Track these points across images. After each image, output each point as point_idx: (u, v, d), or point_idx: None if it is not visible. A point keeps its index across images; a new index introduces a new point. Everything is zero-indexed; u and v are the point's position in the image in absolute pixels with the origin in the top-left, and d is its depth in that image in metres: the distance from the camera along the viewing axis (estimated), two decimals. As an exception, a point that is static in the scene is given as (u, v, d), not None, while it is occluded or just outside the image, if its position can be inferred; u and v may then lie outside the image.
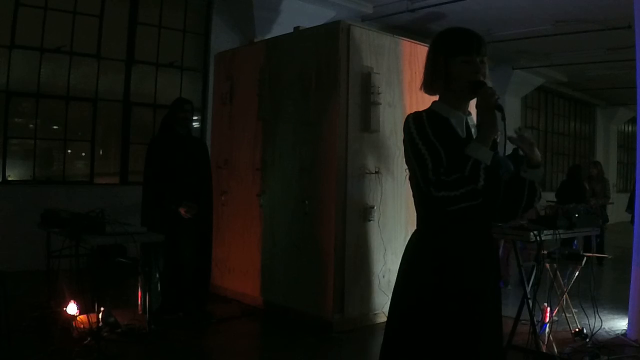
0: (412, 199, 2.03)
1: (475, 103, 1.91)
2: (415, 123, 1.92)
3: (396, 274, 2.05)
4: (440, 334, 1.88)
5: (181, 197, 4.69)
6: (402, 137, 2.00)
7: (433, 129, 1.89)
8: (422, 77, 2.04)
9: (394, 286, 2.05)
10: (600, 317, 4.72)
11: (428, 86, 2.02)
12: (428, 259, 1.92)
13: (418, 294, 1.92)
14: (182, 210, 4.66)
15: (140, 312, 4.64)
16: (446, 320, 1.88)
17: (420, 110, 1.99)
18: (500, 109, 1.87)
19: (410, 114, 1.99)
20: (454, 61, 1.93)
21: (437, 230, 1.94)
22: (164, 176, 4.70)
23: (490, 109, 1.85)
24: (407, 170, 2.06)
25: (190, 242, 4.79)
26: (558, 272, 4.40)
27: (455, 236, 1.91)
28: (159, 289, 4.67)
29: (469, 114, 2.02)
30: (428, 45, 2.05)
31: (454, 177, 1.80)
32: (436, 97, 2.04)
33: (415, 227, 2.04)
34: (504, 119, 1.86)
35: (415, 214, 2.04)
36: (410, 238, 2.04)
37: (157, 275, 4.63)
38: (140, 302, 4.70)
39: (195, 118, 8.57)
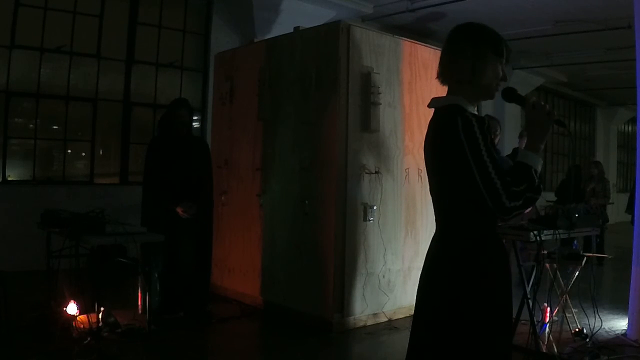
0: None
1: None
2: (479, 127, 1.82)
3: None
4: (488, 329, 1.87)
5: (179, 196, 4.68)
6: (446, 139, 1.87)
7: (489, 134, 1.85)
8: (452, 62, 1.95)
9: (423, 300, 1.98)
10: (600, 317, 4.72)
11: (462, 74, 1.93)
12: (474, 268, 1.87)
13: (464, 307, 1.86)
14: (179, 210, 4.66)
15: (140, 312, 4.63)
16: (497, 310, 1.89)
17: (459, 109, 1.88)
18: (563, 124, 1.96)
19: (462, 113, 1.85)
20: (498, 60, 1.94)
21: (480, 237, 1.90)
22: (162, 176, 4.70)
23: (548, 123, 1.88)
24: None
25: (189, 242, 4.79)
26: (558, 272, 4.40)
27: (494, 241, 1.94)
28: (157, 288, 4.66)
29: None
30: (460, 35, 1.97)
31: (523, 187, 1.80)
32: (443, 90, 2.01)
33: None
34: (570, 133, 1.96)
35: (434, 216, 1.98)
36: (443, 246, 1.95)
37: (156, 275, 4.62)
38: (141, 302, 4.69)
39: (195, 118, 8.57)
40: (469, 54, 1.91)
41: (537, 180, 1.83)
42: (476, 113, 1.95)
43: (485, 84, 1.94)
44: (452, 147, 1.83)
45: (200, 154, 4.99)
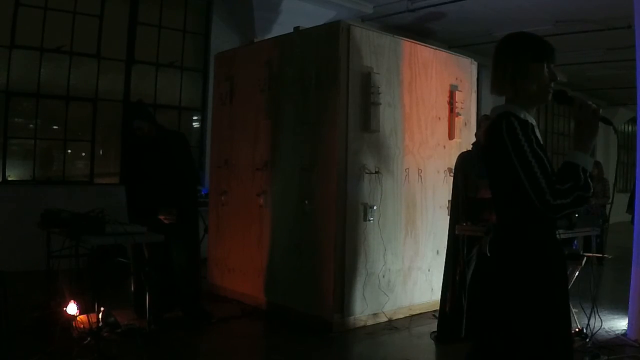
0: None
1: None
2: (522, 129, 1.90)
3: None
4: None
5: (157, 202, 4.58)
6: (493, 143, 1.97)
7: (534, 136, 1.92)
8: (496, 76, 2.05)
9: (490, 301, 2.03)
10: (600, 317, 4.71)
11: (504, 86, 2.03)
12: (539, 265, 1.94)
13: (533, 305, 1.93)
14: (161, 217, 4.58)
15: (133, 313, 4.60)
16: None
17: (507, 114, 1.97)
18: (609, 122, 2.00)
19: (507, 118, 1.95)
20: (539, 66, 1.99)
21: (540, 238, 1.97)
22: (138, 181, 4.67)
23: (595, 121, 1.92)
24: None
25: (173, 241, 4.68)
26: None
27: (554, 241, 2.02)
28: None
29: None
30: (503, 46, 2.06)
31: (568, 185, 1.85)
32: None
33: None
34: (616, 131, 2.09)
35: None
36: (507, 248, 2.00)
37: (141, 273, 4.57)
38: (134, 303, 4.67)
39: (195, 118, 8.59)
40: (509, 69, 2.01)
41: (583, 178, 1.87)
42: (529, 118, 1.99)
43: (532, 91, 2.00)
44: (499, 150, 1.93)
45: (177, 149, 4.80)
